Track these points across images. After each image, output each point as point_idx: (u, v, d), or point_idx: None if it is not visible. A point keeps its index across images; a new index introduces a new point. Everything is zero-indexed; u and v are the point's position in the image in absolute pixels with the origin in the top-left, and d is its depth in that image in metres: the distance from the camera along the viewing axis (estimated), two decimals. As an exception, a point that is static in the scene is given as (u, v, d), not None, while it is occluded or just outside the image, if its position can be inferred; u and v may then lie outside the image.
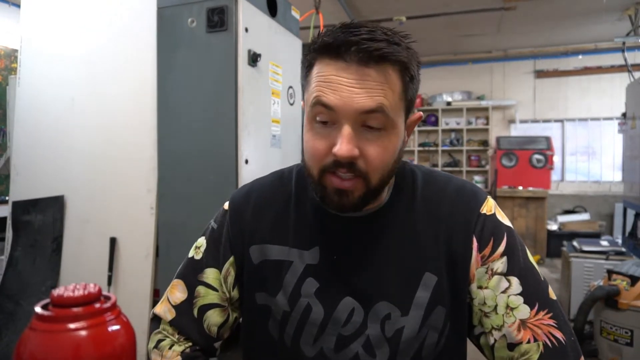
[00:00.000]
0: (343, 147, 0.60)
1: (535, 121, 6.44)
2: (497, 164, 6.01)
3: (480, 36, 5.62)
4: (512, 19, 4.88)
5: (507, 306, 0.66)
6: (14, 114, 2.43)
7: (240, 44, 1.83)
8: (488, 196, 0.74)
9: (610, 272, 2.76)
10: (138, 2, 2.07)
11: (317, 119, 0.63)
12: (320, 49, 0.62)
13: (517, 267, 0.68)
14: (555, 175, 6.24)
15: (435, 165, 6.64)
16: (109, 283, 2.07)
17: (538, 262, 5.37)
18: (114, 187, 2.11)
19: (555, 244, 5.42)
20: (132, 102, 2.09)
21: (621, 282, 2.63)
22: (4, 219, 2.39)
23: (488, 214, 0.71)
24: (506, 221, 0.72)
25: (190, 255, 0.82)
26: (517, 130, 6.45)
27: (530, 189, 5.69)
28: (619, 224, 4.90)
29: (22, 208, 2.30)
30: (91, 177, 2.17)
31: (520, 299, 0.66)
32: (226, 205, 0.85)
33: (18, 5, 3.53)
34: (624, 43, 4.19)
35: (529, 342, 0.64)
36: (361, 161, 0.62)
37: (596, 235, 5.05)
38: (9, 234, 2.34)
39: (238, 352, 0.92)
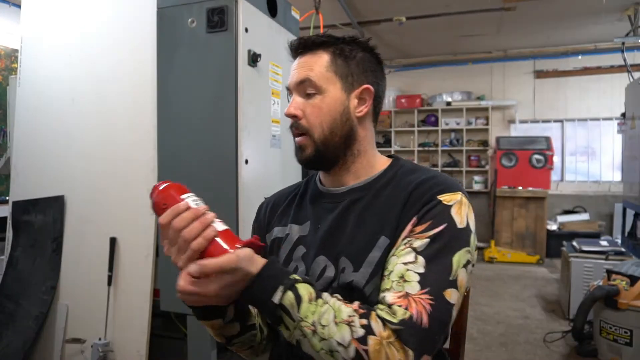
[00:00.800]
0: (289, 107, 0.86)
1: (535, 121, 6.44)
2: (497, 164, 6.02)
3: (480, 36, 5.62)
4: (512, 19, 4.88)
5: (402, 277, 0.72)
6: (14, 114, 2.43)
7: (240, 44, 1.83)
8: (460, 193, 0.80)
9: (609, 272, 2.76)
10: (138, 2, 2.07)
11: (289, 100, 0.89)
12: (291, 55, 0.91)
13: (432, 253, 0.73)
14: (555, 176, 6.24)
15: (435, 165, 6.64)
16: (109, 283, 2.07)
17: (538, 262, 5.39)
18: (114, 187, 2.11)
19: (555, 244, 5.43)
20: (132, 102, 2.09)
21: (621, 282, 2.63)
22: (4, 219, 2.39)
23: (444, 202, 0.78)
24: (458, 220, 0.77)
25: None
26: (517, 131, 6.45)
27: (530, 189, 5.69)
28: (619, 224, 4.90)
29: (22, 208, 2.30)
30: (91, 177, 2.17)
31: (417, 277, 0.71)
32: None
33: (18, 6, 3.52)
34: (623, 43, 4.19)
35: (401, 306, 0.69)
36: (304, 120, 0.85)
37: (596, 236, 5.06)
38: (9, 234, 2.34)
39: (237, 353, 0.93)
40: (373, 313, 0.69)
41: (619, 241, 4.10)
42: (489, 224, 6.09)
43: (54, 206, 2.22)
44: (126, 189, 2.08)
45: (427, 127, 6.67)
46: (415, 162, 6.66)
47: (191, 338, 1.95)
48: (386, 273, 0.75)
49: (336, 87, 0.84)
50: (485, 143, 6.45)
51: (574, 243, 3.78)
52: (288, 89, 0.88)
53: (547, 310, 3.74)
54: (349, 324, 0.68)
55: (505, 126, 6.53)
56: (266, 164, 2.02)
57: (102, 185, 2.15)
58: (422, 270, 0.72)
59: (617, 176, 6.01)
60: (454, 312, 0.72)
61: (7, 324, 2.19)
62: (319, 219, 0.89)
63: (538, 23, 5.06)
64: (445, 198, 0.78)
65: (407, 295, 0.70)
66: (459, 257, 0.74)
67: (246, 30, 1.86)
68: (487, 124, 6.42)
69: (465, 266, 0.74)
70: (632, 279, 2.59)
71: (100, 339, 2.03)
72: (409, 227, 0.77)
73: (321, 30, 3.27)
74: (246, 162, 1.86)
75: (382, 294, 0.73)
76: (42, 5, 2.32)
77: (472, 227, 0.79)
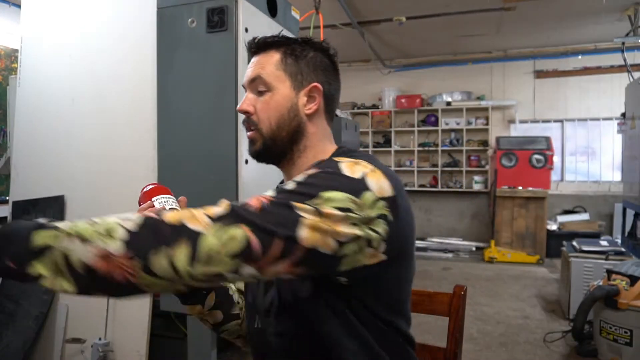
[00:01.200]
0: (240, 104, 0.90)
1: (535, 121, 6.44)
2: (497, 164, 6.02)
3: (480, 36, 5.62)
4: (512, 19, 4.88)
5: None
6: (14, 114, 2.43)
7: (240, 44, 1.83)
8: (363, 161, 0.78)
9: (609, 272, 2.76)
10: (138, 2, 2.07)
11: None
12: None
13: (302, 182, 0.73)
14: (554, 176, 6.24)
15: (435, 165, 6.64)
16: None
17: (538, 262, 5.39)
18: (114, 186, 2.11)
19: (555, 244, 5.43)
20: (132, 102, 2.09)
21: (620, 282, 2.63)
22: (4, 219, 2.39)
23: (335, 159, 0.78)
24: (348, 171, 0.74)
25: None
26: (517, 131, 6.45)
27: (530, 189, 5.69)
28: (619, 224, 4.90)
29: (22, 208, 2.30)
30: (91, 177, 2.18)
31: (279, 189, 0.73)
32: None
33: (18, 6, 3.52)
34: (623, 43, 4.19)
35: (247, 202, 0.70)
36: (254, 116, 0.89)
37: (596, 235, 5.06)
38: (9, 233, 2.34)
39: (238, 352, 0.94)
40: None
41: (619, 241, 4.09)
42: (489, 224, 6.09)
43: (54, 206, 2.22)
44: (126, 189, 2.08)
45: (427, 127, 6.66)
46: (415, 162, 6.67)
47: (191, 338, 1.95)
48: None
49: (285, 85, 0.87)
50: (485, 143, 6.45)
51: (574, 243, 3.78)
52: (244, 86, 0.92)
53: (547, 310, 3.74)
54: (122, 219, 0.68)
55: (505, 126, 6.53)
56: (266, 164, 2.02)
57: (102, 185, 2.15)
58: (286, 188, 0.72)
59: (617, 176, 6.01)
60: (306, 230, 0.67)
61: (7, 324, 2.19)
62: None
63: (538, 23, 5.06)
64: (340, 158, 0.79)
65: (256, 197, 0.70)
66: (333, 196, 0.69)
67: (246, 30, 1.86)
68: (487, 124, 6.42)
69: (342, 210, 0.69)
70: (632, 279, 2.60)
71: (100, 339, 2.03)
72: None
73: (321, 30, 3.26)
74: (246, 162, 1.86)
75: None
76: (42, 5, 2.32)
77: (374, 188, 0.73)
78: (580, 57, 6.07)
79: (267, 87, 0.88)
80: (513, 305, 3.90)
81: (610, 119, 6.01)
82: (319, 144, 0.91)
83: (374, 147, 6.88)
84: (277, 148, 0.90)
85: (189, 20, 1.88)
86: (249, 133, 0.91)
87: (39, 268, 0.62)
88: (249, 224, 0.65)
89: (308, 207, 0.68)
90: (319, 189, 0.70)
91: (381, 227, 0.73)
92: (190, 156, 1.90)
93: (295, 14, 2.42)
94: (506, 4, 4.36)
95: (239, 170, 1.83)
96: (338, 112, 2.79)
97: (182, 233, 0.64)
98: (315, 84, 0.88)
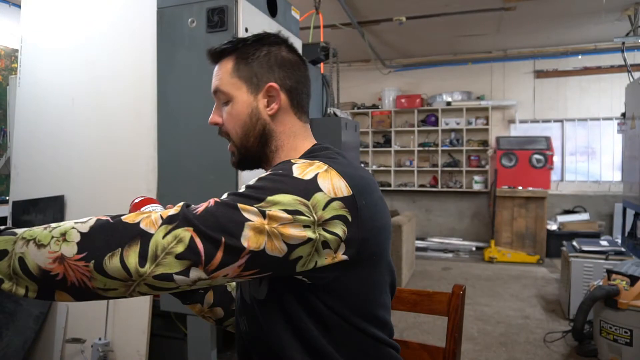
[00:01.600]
0: (210, 117, 0.92)
1: (535, 121, 6.44)
2: (497, 164, 6.02)
3: (480, 36, 5.62)
4: (512, 19, 4.88)
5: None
6: (14, 114, 2.43)
7: (240, 44, 1.83)
8: (318, 161, 0.76)
9: (609, 272, 2.76)
10: (138, 3, 2.07)
11: None
12: None
13: (252, 185, 0.72)
14: (554, 175, 6.24)
15: (435, 165, 6.64)
16: None
17: (538, 262, 5.39)
18: (114, 187, 2.11)
19: (555, 244, 5.43)
20: (132, 102, 2.09)
21: (621, 282, 2.63)
22: (4, 219, 2.39)
23: (291, 161, 0.76)
24: (298, 172, 0.73)
25: None
26: (517, 131, 6.45)
27: (530, 189, 5.69)
28: (619, 224, 4.90)
29: (22, 208, 2.30)
30: (91, 177, 2.18)
31: (229, 193, 0.73)
32: None
33: (18, 5, 3.52)
34: (623, 43, 4.19)
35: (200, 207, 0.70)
36: (224, 127, 0.90)
37: (596, 235, 5.06)
38: (9, 233, 2.34)
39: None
40: None
41: (619, 241, 4.10)
42: (489, 224, 6.09)
43: (54, 206, 2.22)
44: (126, 189, 2.08)
45: (427, 127, 6.66)
46: (415, 162, 6.67)
47: (191, 338, 1.96)
48: None
49: (242, 91, 0.87)
50: (485, 143, 6.45)
51: (574, 243, 3.78)
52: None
53: (547, 310, 3.74)
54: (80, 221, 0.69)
55: (505, 126, 6.53)
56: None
57: (102, 184, 2.15)
58: (238, 191, 0.72)
59: (617, 176, 6.01)
60: (250, 233, 0.66)
61: (7, 324, 2.20)
62: None
63: (538, 23, 5.06)
64: (297, 160, 0.77)
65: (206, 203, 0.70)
66: (280, 199, 0.69)
67: (246, 30, 1.86)
68: (487, 124, 6.42)
69: (290, 213, 0.68)
70: (632, 279, 2.60)
71: (100, 339, 2.03)
72: None
73: (321, 30, 3.26)
74: (246, 162, 1.86)
75: None
76: (42, 5, 2.32)
77: (327, 189, 0.71)
78: (580, 57, 6.07)
79: (227, 97, 0.88)
80: (513, 305, 3.90)
81: (610, 119, 6.01)
82: (290, 142, 0.89)
83: (374, 147, 6.88)
84: (250, 154, 0.90)
85: (189, 20, 1.88)
86: (228, 146, 0.92)
87: None
88: (194, 226, 0.65)
89: (253, 209, 0.67)
90: (267, 192, 0.69)
91: (339, 228, 0.71)
92: (190, 156, 1.90)
93: (295, 14, 2.42)
94: (506, 4, 4.36)
95: (239, 170, 1.83)
96: (338, 112, 2.79)
97: (133, 233, 0.65)
98: (270, 83, 0.86)
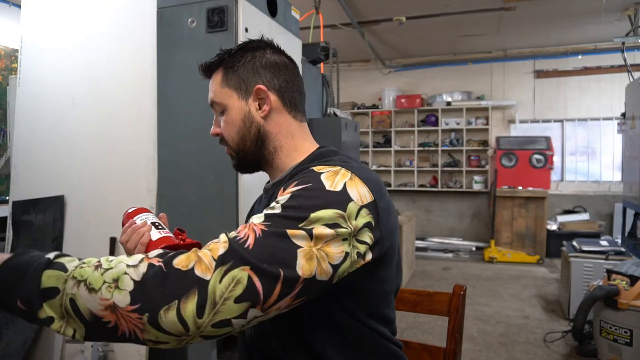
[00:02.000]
0: (212, 129, 0.96)
1: (535, 121, 6.44)
2: (497, 164, 6.02)
3: (480, 36, 5.62)
4: (512, 19, 4.88)
5: (258, 217, 0.71)
6: (14, 114, 2.43)
7: (240, 44, 1.83)
8: (340, 167, 0.77)
9: (609, 272, 2.76)
10: (138, 3, 2.07)
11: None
12: None
13: (291, 204, 0.71)
14: (554, 175, 6.24)
15: (435, 165, 6.64)
16: None
17: (538, 262, 5.39)
18: (114, 187, 2.11)
19: (555, 244, 5.43)
20: (132, 102, 2.09)
21: (621, 282, 2.63)
22: (4, 219, 2.39)
23: (315, 170, 0.77)
24: (329, 184, 0.73)
25: None
26: (517, 130, 6.45)
27: (530, 189, 5.69)
28: (619, 224, 4.90)
29: (22, 208, 2.30)
30: (91, 177, 2.17)
31: (265, 212, 0.71)
32: None
33: (18, 5, 3.52)
34: (623, 43, 4.19)
35: (233, 232, 0.69)
36: (222, 136, 0.94)
37: (596, 235, 5.06)
38: (9, 234, 2.34)
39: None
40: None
41: (619, 241, 4.10)
42: (489, 224, 6.09)
43: (54, 206, 2.22)
44: (126, 189, 2.08)
45: (427, 127, 6.67)
46: (415, 162, 6.68)
47: (191, 338, 1.95)
48: None
49: (233, 98, 0.90)
50: (485, 143, 6.45)
51: (574, 243, 3.78)
52: None
53: (547, 310, 3.74)
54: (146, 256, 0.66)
55: (505, 126, 6.53)
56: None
57: (102, 185, 2.15)
58: (274, 212, 0.70)
59: (617, 176, 6.01)
60: (302, 259, 0.66)
61: (7, 324, 2.19)
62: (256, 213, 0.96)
63: (538, 23, 5.06)
64: (318, 167, 0.77)
65: (248, 224, 0.69)
66: (321, 215, 0.69)
67: (246, 30, 1.86)
68: (487, 124, 6.42)
69: (331, 227, 0.68)
70: (632, 279, 2.60)
71: (100, 339, 2.03)
72: (279, 192, 0.77)
73: (321, 30, 3.26)
74: (246, 162, 1.86)
75: None
76: (42, 5, 2.31)
77: (355, 197, 0.73)
78: (580, 57, 6.07)
79: (222, 107, 0.92)
80: (513, 305, 3.90)
81: (610, 119, 6.02)
82: (289, 142, 0.91)
83: (374, 147, 6.88)
84: (249, 158, 0.93)
85: (189, 20, 1.88)
86: (228, 151, 0.96)
87: (49, 311, 0.61)
88: (251, 264, 0.63)
89: (301, 232, 0.67)
90: (307, 210, 0.69)
91: (366, 236, 0.73)
92: (191, 156, 1.90)
93: (295, 14, 2.42)
94: (506, 4, 4.36)
95: (240, 173, 1.83)
96: (338, 112, 2.79)
97: (189, 282, 0.61)
98: (258, 86, 0.88)
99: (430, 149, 6.63)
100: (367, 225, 0.73)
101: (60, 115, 2.25)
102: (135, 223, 0.89)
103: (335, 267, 0.69)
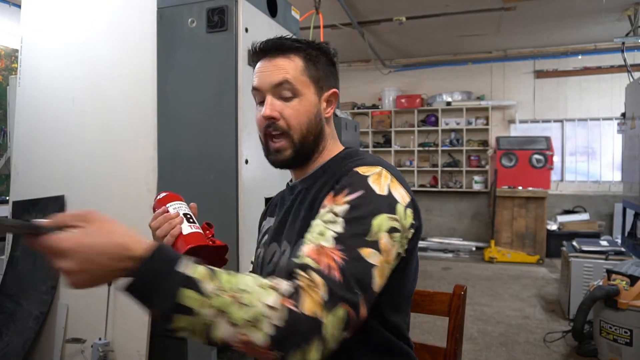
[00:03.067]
0: (265, 109, 0.88)
1: (535, 121, 6.44)
2: (497, 164, 6.02)
3: (480, 36, 5.62)
4: (512, 19, 4.88)
5: (321, 233, 0.73)
6: (14, 114, 2.43)
7: (240, 44, 1.83)
8: (380, 167, 0.82)
9: (609, 272, 2.76)
10: (138, 3, 2.07)
11: (256, 101, 0.92)
12: (250, 57, 0.96)
13: (351, 216, 0.74)
14: (554, 175, 6.24)
15: (435, 165, 6.64)
16: (109, 283, 2.06)
17: (538, 262, 5.39)
18: (114, 187, 2.11)
19: (555, 244, 5.43)
20: (132, 102, 2.09)
21: (620, 282, 2.63)
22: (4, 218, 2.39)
23: (360, 173, 0.81)
24: (377, 188, 0.78)
25: None
26: (517, 131, 6.45)
27: (530, 189, 5.69)
28: (619, 224, 4.90)
29: (23, 208, 2.30)
30: (91, 177, 2.17)
31: (334, 234, 0.72)
32: None
33: (18, 5, 3.52)
34: (623, 43, 4.19)
35: (311, 258, 0.70)
36: (282, 122, 0.88)
37: (596, 235, 5.06)
38: (9, 234, 2.34)
39: (239, 352, 0.94)
40: (294, 272, 0.69)
41: (619, 241, 4.10)
42: (489, 224, 6.09)
43: (54, 206, 2.22)
44: (126, 189, 2.08)
45: (427, 127, 6.67)
46: (415, 162, 6.67)
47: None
48: (307, 232, 0.77)
49: (310, 90, 0.89)
50: (485, 143, 6.45)
51: (574, 243, 3.78)
52: (256, 89, 0.90)
53: (547, 310, 3.74)
54: (273, 287, 0.65)
55: (505, 126, 6.53)
56: (266, 164, 2.01)
57: (102, 184, 2.15)
58: (339, 229, 0.73)
59: (617, 176, 6.01)
60: (376, 276, 0.71)
61: (7, 324, 2.19)
62: (281, 209, 0.98)
63: (538, 23, 5.06)
64: (361, 169, 0.81)
65: (321, 248, 0.70)
66: (380, 221, 0.74)
67: (246, 30, 1.86)
68: (487, 124, 6.42)
69: (389, 232, 0.74)
70: (632, 279, 2.60)
71: (100, 339, 2.03)
72: (328, 196, 0.80)
73: (321, 30, 3.27)
74: (246, 162, 1.86)
75: (300, 247, 0.74)
76: (42, 5, 2.31)
77: (399, 199, 0.79)
78: (580, 57, 6.07)
79: (294, 93, 0.88)
80: (513, 305, 3.90)
81: (610, 119, 6.02)
82: (330, 144, 0.96)
83: (374, 147, 6.88)
84: (304, 153, 0.91)
85: (189, 20, 1.88)
86: (277, 143, 0.90)
87: (180, 322, 0.62)
88: (347, 302, 0.67)
89: (371, 250, 0.72)
90: (367, 220, 0.73)
91: (411, 234, 0.80)
92: (191, 156, 1.90)
93: (295, 14, 2.42)
94: (506, 4, 4.36)
95: (239, 170, 1.83)
96: (338, 112, 2.79)
97: (315, 329, 0.64)
98: (334, 90, 0.93)
99: (430, 149, 6.63)
100: (412, 224, 0.80)
101: (60, 115, 2.25)
102: (169, 212, 0.88)
103: (391, 273, 0.77)
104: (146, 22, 2.01)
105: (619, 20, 4.81)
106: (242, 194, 1.82)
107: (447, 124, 6.57)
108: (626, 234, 3.97)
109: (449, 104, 6.47)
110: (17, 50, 2.75)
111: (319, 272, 0.67)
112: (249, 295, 0.63)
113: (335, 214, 0.75)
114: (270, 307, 0.63)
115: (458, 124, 6.52)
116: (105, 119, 2.15)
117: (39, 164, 2.31)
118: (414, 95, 6.65)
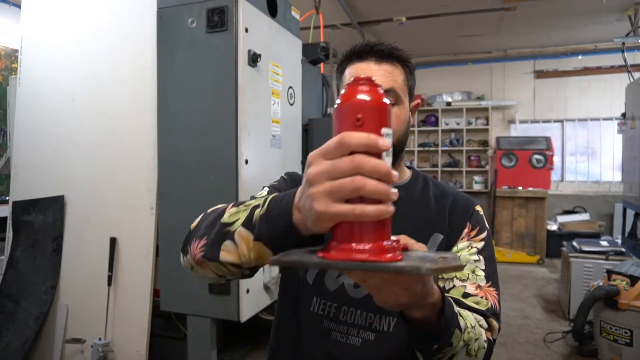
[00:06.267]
0: None
1: (535, 121, 6.44)
2: (497, 164, 6.02)
3: (480, 36, 5.62)
4: (512, 19, 4.88)
5: (473, 271, 0.87)
6: (14, 114, 2.43)
7: (240, 44, 1.83)
8: (479, 206, 0.99)
9: (609, 272, 2.76)
10: (138, 3, 2.07)
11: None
12: (350, 56, 0.95)
13: (486, 254, 0.91)
14: (555, 176, 6.24)
15: (435, 165, 6.63)
16: (109, 283, 2.07)
17: (538, 262, 5.40)
18: (114, 187, 2.11)
19: (555, 244, 5.42)
20: (132, 102, 2.09)
21: (621, 282, 2.63)
22: (4, 219, 2.39)
23: (479, 212, 0.97)
24: (486, 225, 0.97)
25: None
26: (517, 131, 6.45)
27: (530, 189, 5.69)
28: (619, 224, 4.90)
29: (22, 208, 2.30)
30: (91, 177, 2.17)
31: (482, 273, 0.88)
32: (284, 175, 1.08)
33: (18, 6, 3.52)
34: (623, 43, 4.19)
35: (482, 297, 0.84)
36: None
37: (596, 236, 5.06)
38: (9, 234, 2.34)
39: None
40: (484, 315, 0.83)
41: (619, 241, 4.10)
42: (489, 224, 6.08)
43: (54, 206, 2.22)
44: (126, 189, 2.08)
45: (427, 127, 6.67)
46: (415, 162, 6.67)
47: (191, 338, 1.95)
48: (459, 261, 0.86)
49: (406, 100, 0.93)
50: (485, 143, 6.45)
51: (574, 243, 3.78)
52: None
53: (547, 310, 3.74)
54: (479, 322, 0.79)
55: (505, 126, 6.53)
56: (266, 164, 2.02)
57: (102, 185, 2.15)
58: (484, 267, 0.88)
59: (617, 176, 6.01)
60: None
61: (7, 324, 2.19)
62: None
63: (538, 23, 5.06)
64: (478, 209, 0.97)
65: (479, 287, 0.85)
66: (495, 255, 0.93)
67: (246, 30, 1.86)
68: (487, 124, 6.42)
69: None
70: (632, 279, 2.59)
71: (100, 339, 2.03)
72: (465, 230, 0.92)
73: (321, 30, 3.26)
74: (246, 162, 1.86)
75: (460, 282, 0.85)
76: (42, 5, 2.32)
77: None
78: (580, 57, 6.07)
79: (397, 101, 0.90)
80: (513, 305, 3.90)
81: (610, 119, 6.01)
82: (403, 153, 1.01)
83: (374, 147, 6.87)
84: (394, 159, 0.91)
85: (189, 20, 1.88)
86: None
87: (447, 354, 0.71)
88: (498, 319, 0.85)
89: (492, 249, 0.94)
90: (494, 255, 0.93)
91: None
92: (190, 156, 1.90)
93: (295, 14, 2.42)
94: (506, 3, 4.36)
95: (239, 170, 1.83)
96: (338, 112, 2.79)
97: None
98: (419, 100, 0.98)
99: (430, 149, 6.63)
100: None
101: (60, 115, 2.25)
102: (379, 144, 0.47)
103: None
104: (146, 22, 2.01)
105: (619, 20, 4.81)
106: (242, 193, 1.82)
107: (447, 124, 6.57)
108: (626, 234, 3.97)
109: (449, 104, 6.47)
110: (17, 50, 2.75)
111: (490, 309, 0.84)
112: (475, 331, 0.77)
113: (478, 252, 0.90)
114: (487, 340, 0.80)
115: (458, 124, 6.52)
116: (105, 119, 2.15)
117: (39, 164, 2.31)
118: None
